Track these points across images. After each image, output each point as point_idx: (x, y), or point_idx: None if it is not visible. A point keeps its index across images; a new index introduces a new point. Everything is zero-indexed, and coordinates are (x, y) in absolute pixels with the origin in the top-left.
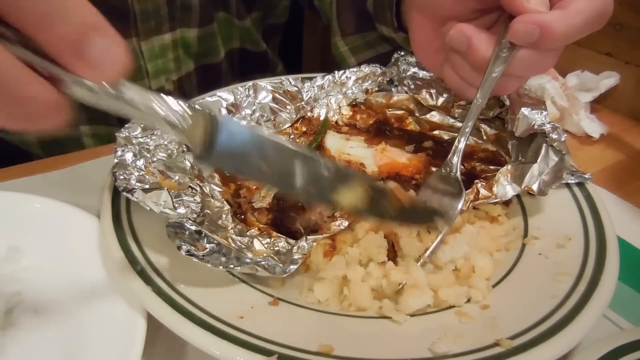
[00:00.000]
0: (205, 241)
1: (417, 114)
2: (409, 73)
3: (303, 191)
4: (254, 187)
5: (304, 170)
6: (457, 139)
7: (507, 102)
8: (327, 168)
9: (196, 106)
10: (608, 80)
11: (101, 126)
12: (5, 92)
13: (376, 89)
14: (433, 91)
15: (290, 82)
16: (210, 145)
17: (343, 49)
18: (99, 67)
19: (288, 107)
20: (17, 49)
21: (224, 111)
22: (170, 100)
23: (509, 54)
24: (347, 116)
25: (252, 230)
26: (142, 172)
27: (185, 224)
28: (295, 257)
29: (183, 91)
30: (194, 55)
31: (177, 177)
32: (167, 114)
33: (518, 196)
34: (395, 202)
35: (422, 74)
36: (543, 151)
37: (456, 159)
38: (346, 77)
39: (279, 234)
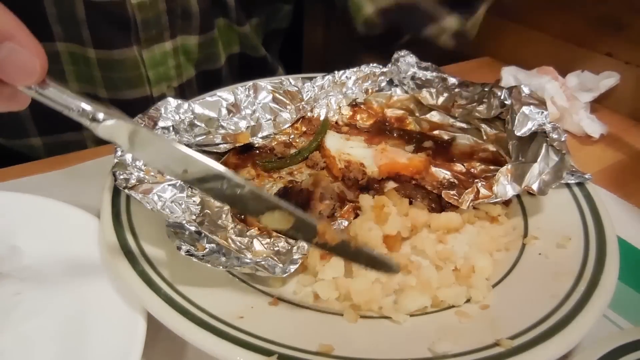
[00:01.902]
0: (205, 241)
1: (417, 114)
2: (409, 73)
3: (231, 203)
4: None
5: (225, 184)
6: None
7: (508, 102)
8: (252, 192)
9: (111, 111)
10: (608, 80)
11: None
12: None
13: (376, 89)
14: (433, 91)
15: (290, 82)
16: (131, 147)
17: None
18: (10, 70)
19: (288, 107)
20: None
21: (224, 111)
22: (88, 101)
23: None
24: (347, 116)
25: (252, 230)
26: (142, 172)
27: (185, 224)
28: (295, 257)
29: (184, 97)
30: (195, 61)
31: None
32: (91, 113)
33: (518, 196)
34: (323, 240)
35: (422, 74)
36: (543, 151)
37: None
38: (346, 77)
39: (278, 234)
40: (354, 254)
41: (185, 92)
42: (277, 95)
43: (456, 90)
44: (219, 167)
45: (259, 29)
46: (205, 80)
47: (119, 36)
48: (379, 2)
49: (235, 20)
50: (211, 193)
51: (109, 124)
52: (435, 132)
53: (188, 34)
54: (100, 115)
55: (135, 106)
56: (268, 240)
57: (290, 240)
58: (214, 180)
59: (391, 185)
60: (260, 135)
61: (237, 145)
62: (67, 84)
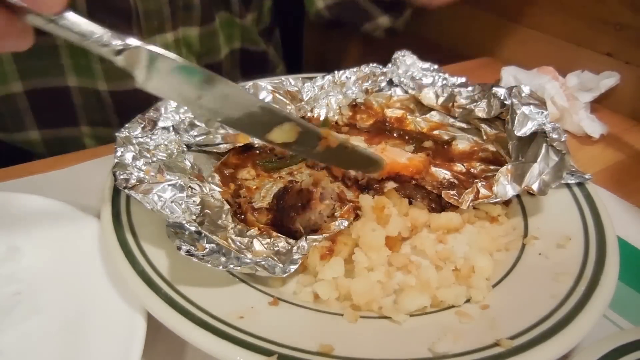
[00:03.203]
0: (205, 241)
1: (417, 114)
2: (408, 73)
3: (239, 125)
4: (254, 187)
5: (238, 107)
6: None
7: (508, 102)
8: (261, 107)
9: (137, 40)
10: (608, 80)
11: (101, 128)
12: None
13: (376, 89)
14: (433, 91)
15: (290, 82)
16: (148, 75)
17: None
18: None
19: (288, 107)
20: None
21: None
22: (113, 32)
23: None
24: (347, 116)
25: (252, 230)
26: (142, 172)
27: (185, 224)
28: (295, 257)
29: None
30: (196, 54)
31: (176, 177)
32: (102, 40)
33: (518, 196)
34: (325, 144)
35: (421, 74)
36: (543, 151)
37: None
38: (346, 77)
39: (278, 234)
40: (349, 156)
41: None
42: (277, 95)
43: (456, 90)
44: (233, 86)
45: (254, 24)
46: None
47: (120, 27)
48: None
49: (237, 12)
50: (222, 117)
51: (129, 51)
52: (435, 132)
53: (189, 25)
54: (119, 43)
55: (136, 98)
56: (268, 240)
57: (290, 240)
58: (226, 103)
59: (391, 185)
60: None
61: (237, 145)
62: (65, 77)
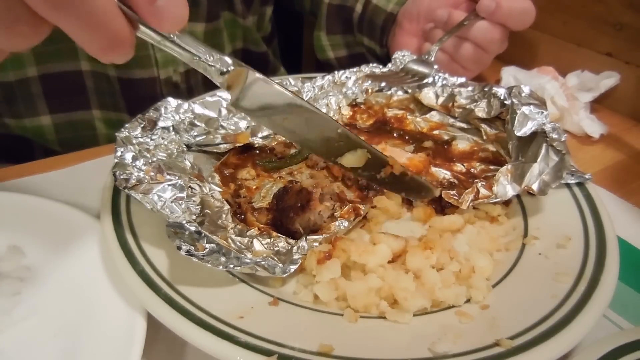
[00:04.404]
0: (205, 241)
1: (417, 114)
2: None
3: (313, 148)
4: (254, 187)
5: (319, 131)
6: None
7: (508, 102)
8: (338, 132)
9: (239, 62)
10: (608, 80)
11: (111, 112)
12: (98, 18)
13: (376, 89)
14: (433, 91)
15: (290, 82)
16: (242, 95)
17: (325, 43)
18: (164, 17)
19: None
20: None
21: (224, 111)
22: (216, 52)
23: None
24: (347, 116)
25: (252, 230)
26: (142, 172)
27: (185, 224)
28: (295, 257)
29: (189, 84)
30: None
31: (176, 177)
32: (210, 61)
33: (518, 196)
34: (389, 171)
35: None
36: (543, 151)
37: (435, 47)
38: (346, 77)
39: (278, 234)
40: (407, 183)
41: (190, 79)
42: None
43: (456, 90)
44: (315, 111)
45: (254, 26)
46: None
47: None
48: None
49: (240, 12)
50: (299, 138)
51: (232, 73)
52: (435, 132)
53: (195, 20)
54: (225, 66)
55: (143, 86)
56: (268, 240)
57: (290, 240)
58: (306, 126)
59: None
60: (260, 135)
61: (237, 145)
62: (79, 61)
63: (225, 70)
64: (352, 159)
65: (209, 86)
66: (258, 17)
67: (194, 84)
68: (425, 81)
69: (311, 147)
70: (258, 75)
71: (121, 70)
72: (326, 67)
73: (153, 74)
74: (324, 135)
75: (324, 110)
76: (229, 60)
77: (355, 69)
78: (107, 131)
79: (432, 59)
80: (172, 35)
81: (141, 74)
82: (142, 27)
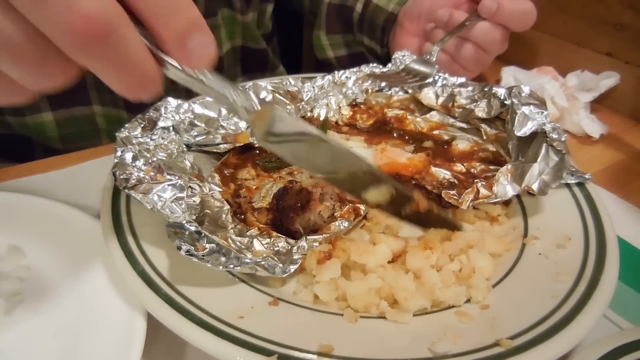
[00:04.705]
0: (205, 241)
1: (417, 114)
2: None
3: (339, 184)
4: (254, 187)
5: (344, 167)
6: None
7: (508, 102)
8: (364, 169)
9: (265, 100)
10: (608, 80)
11: (110, 108)
12: (128, 60)
13: (376, 89)
14: (433, 91)
15: (290, 82)
16: (268, 131)
17: (325, 42)
18: (194, 57)
19: (288, 107)
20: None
21: (224, 111)
22: (242, 91)
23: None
24: (347, 116)
25: (252, 230)
26: (142, 172)
27: (185, 224)
28: (295, 257)
29: None
30: None
31: (176, 177)
32: (237, 101)
33: (518, 196)
34: (415, 207)
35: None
36: (543, 151)
37: (437, 48)
38: (346, 77)
39: (278, 234)
40: (433, 219)
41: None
42: (277, 95)
43: (456, 90)
44: (341, 149)
45: (254, 22)
46: None
47: None
48: None
49: (238, 9)
50: (325, 173)
51: (259, 112)
52: (435, 132)
53: None
54: (252, 105)
55: None
56: (268, 240)
57: (290, 240)
58: (333, 163)
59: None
60: None
61: (237, 145)
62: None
63: (252, 109)
64: (377, 195)
65: None
66: (258, 14)
67: None
68: (426, 81)
69: (337, 182)
70: (284, 113)
71: None
72: (326, 66)
73: None
74: (349, 171)
75: (324, 110)
76: (255, 99)
77: (355, 69)
78: (108, 127)
79: (434, 59)
80: (198, 74)
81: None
82: (169, 66)
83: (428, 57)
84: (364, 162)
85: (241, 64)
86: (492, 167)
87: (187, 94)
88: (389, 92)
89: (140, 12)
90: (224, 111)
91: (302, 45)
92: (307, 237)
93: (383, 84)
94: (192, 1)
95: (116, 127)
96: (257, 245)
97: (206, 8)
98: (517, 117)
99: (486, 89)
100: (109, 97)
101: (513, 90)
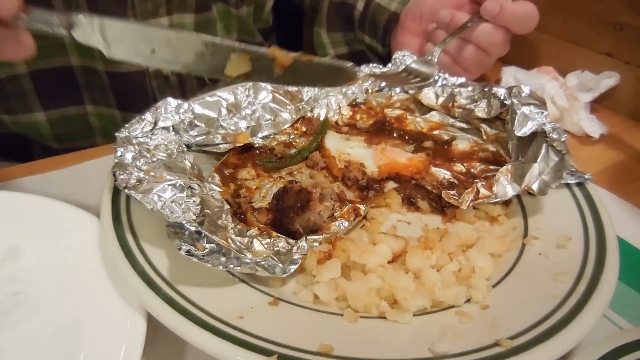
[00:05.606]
0: (205, 241)
1: (417, 114)
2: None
3: (194, 69)
4: (254, 187)
5: (185, 48)
6: (447, 38)
7: (508, 102)
8: (205, 43)
9: (84, 14)
10: (608, 80)
11: (102, 107)
12: None
13: (376, 89)
14: (433, 91)
15: None
16: (107, 44)
17: (325, 40)
18: None
19: (288, 107)
20: None
21: (224, 111)
22: (62, 14)
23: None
24: (347, 116)
25: (252, 230)
26: (142, 172)
27: (185, 224)
28: (295, 257)
29: (180, 76)
30: None
31: (176, 177)
32: (65, 22)
33: (518, 196)
34: (280, 64)
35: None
36: (543, 151)
37: (438, 49)
38: None
39: (278, 234)
40: (314, 70)
41: (182, 73)
42: (277, 95)
43: (456, 90)
44: (173, 31)
45: (249, 16)
46: None
47: (114, 8)
48: None
49: (232, 3)
50: (180, 65)
51: (80, 25)
52: (435, 132)
53: (184, 12)
54: (72, 20)
55: (132, 79)
56: (268, 240)
57: (290, 240)
58: (174, 49)
59: (391, 185)
60: (260, 135)
61: (237, 145)
62: (68, 56)
63: (72, 23)
64: (235, 67)
65: (200, 78)
66: (255, 8)
67: (185, 76)
68: (427, 82)
69: (195, 70)
70: (106, 18)
71: (109, 64)
72: None
73: (142, 67)
74: (195, 52)
75: (324, 110)
76: (77, 15)
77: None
78: (102, 126)
79: (435, 60)
80: (22, 16)
81: (129, 67)
82: (27, 20)
83: (429, 57)
84: (200, 36)
85: None
86: (492, 167)
87: (179, 86)
88: (389, 92)
89: None
90: (224, 111)
91: (302, 42)
92: (307, 237)
93: (383, 84)
94: None
95: (110, 126)
96: (257, 245)
97: (200, 3)
98: (517, 117)
99: (486, 89)
100: (101, 96)
101: (513, 90)
